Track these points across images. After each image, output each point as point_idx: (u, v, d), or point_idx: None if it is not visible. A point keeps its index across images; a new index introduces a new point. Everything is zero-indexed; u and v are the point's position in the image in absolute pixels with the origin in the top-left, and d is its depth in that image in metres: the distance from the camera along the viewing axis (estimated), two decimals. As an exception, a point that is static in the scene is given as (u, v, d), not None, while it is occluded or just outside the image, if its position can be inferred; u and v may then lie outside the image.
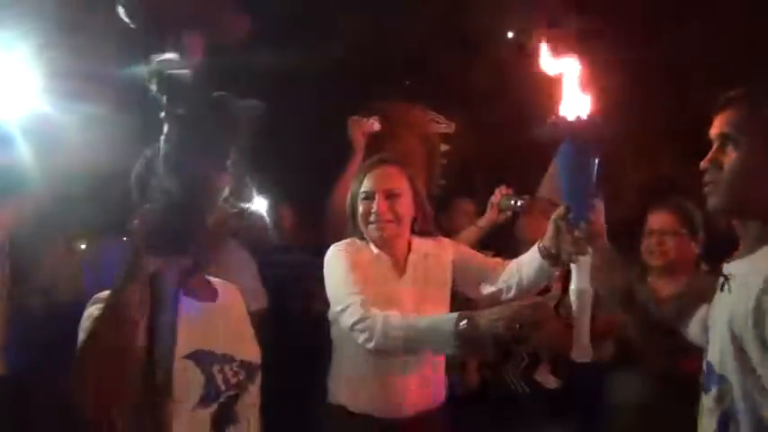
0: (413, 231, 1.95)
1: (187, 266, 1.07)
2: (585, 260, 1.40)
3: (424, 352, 1.69)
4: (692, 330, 1.43)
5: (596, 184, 1.39)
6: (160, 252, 1.00)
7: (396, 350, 1.72)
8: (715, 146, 1.28)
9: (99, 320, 1.11)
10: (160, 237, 0.99)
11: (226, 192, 1.06)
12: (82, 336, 1.27)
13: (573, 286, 1.41)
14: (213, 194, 1.03)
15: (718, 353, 1.23)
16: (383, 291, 1.86)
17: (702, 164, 1.29)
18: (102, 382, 1.12)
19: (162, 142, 0.99)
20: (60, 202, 2.60)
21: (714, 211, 1.29)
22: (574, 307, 1.41)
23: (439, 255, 1.94)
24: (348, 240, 1.96)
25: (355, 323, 1.72)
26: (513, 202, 2.56)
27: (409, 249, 1.93)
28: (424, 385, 1.87)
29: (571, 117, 1.39)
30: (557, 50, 1.41)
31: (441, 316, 1.68)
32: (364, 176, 1.91)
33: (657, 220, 2.22)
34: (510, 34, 5.15)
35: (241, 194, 1.09)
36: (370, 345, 1.69)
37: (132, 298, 1.06)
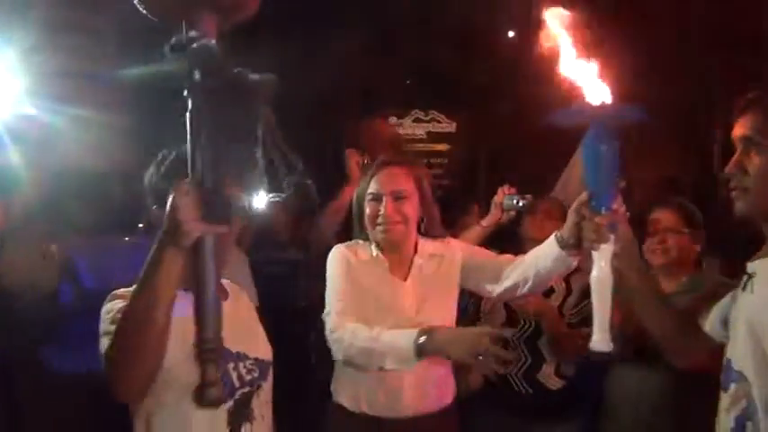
0: (420, 233, 1.94)
1: (226, 236, 1.10)
2: (607, 248, 1.38)
3: (388, 366, 1.72)
4: (708, 329, 1.44)
5: (620, 172, 1.39)
6: (203, 219, 1.04)
7: (362, 364, 1.75)
8: (738, 150, 1.28)
9: (136, 292, 1.11)
10: (202, 205, 1.03)
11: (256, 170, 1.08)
12: (105, 326, 1.27)
13: (594, 273, 1.39)
14: (245, 168, 1.06)
15: (738, 351, 1.23)
16: (382, 294, 1.86)
17: (727, 169, 1.29)
18: (139, 355, 1.13)
19: (189, 118, 1.03)
20: (50, 202, 2.61)
21: (742, 215, 1.28)
22: (594, 295, 1.39)
23: (445, 256, 1.93)
24: (351, 242, 1.96)
25: (329, 333, 1.79)
26: (515, 201, 2.57)
27: (415, 251, 1.92)
28: (426, 386, 1.84)
29: (596, 102, 1.39)
30: (576, 37, 1.41)
31: (402, 331, 1.71)
32: (371, 178, 1.90)
33: (660, 218, 2.23)
34: (510, 34, 5.17)
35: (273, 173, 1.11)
36: (339, 357, 1.75)
37: (173, 264, 1.08)
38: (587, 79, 1.39)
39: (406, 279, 1.89)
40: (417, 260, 1.90)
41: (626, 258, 1.39)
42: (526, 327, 2.37)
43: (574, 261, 1.69)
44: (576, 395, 2.44)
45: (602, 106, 1.39)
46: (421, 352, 1.65)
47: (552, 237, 1.70)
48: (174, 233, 1.05)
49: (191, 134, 1.03)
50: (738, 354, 1.23)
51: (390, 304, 1.85)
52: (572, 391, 2.42)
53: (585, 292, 2.38)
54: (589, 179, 1.42)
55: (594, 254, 1.40)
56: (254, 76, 1.03)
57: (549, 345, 2.36)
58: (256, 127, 1.03)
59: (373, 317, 1.83)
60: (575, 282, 2.38)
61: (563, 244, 1.65)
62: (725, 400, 1.26)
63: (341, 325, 1.77)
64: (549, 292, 2.38)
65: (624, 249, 1.39)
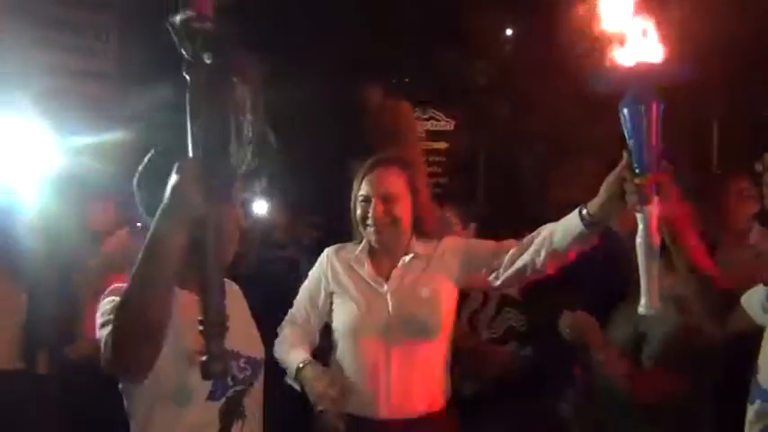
0: (416, 233, 1.93)
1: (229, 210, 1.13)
2: (652, 210, 1.36)
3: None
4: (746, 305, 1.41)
5: (660, 131, 1.36)
6: (205, 195, 1.08)
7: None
8: None
9: (140, 264, 1.12)
10: (203, 181, 1.07)
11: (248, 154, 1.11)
12: (104, 317, 1.28)
13: (639, 237, 1.36)
14: (242, 144, 1.10)
15: (764, 366, 1.23)
16: (363, 296, 1.88)
17: (757, 165, 1.28)
18: (145, 322, 1.13)
19: (188, 95, 1.06)
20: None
21: None
22: (639, 259, 1.37)
23: (434, 257, 1.91)
24: (344, 244, 2.00)
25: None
26: None
27: (406, 253, 1.91)
28: (415, 389, 1.83)
29: (630, 62, 1.37)
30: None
31: (300, 353, 1.86)
32: (362, 179, 1.91)
33: None
34: (509, 32, 5.16)
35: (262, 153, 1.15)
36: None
37: (175, 238, 1.10)
38: (630, 37, 1.37)
39: (386, 282, 1.88)
40: (403, 261, 1.89)
41: (671, 221, 1.37)
42: None
43: (594, 239, 1.62)
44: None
45: (643, 65, 1.36)
46: (297, 378, 1.82)
47: (575, 213, 1.61)
48: (178, 208, 1.08)
49: (190, 113, 1.06)
50: (765, 370, 1.22)
51: (369, 306, 1.86)
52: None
53: (502, 303, 2.37)
54: (630, 141, 1.38)
55: (639, 216, 1.38)
56: (245, 55, 1.09)
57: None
58: (245, 105, 1.07)
59: (355, 319, 1.86)
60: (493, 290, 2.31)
61: (588, 221, 1.56)
62: (750, 412, 1.25)
63: (279, 331, 1.98)
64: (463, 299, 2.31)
65: (670, 212, 1.37)
